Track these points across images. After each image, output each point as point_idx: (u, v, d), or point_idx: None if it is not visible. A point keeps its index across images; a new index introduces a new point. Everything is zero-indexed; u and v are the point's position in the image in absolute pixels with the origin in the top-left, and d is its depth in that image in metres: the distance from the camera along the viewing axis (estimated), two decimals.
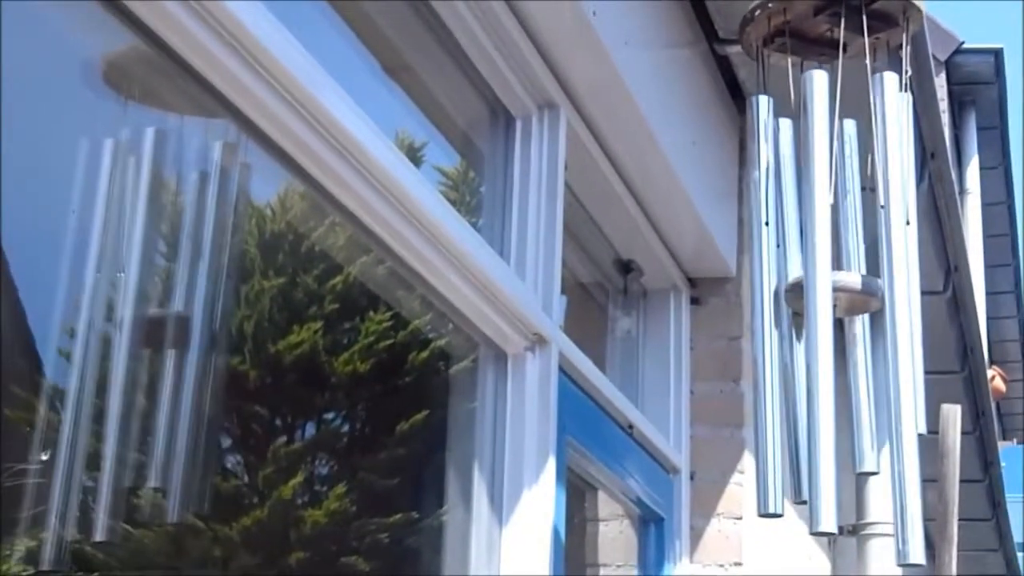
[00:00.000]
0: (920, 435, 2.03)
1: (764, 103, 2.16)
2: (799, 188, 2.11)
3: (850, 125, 2.12)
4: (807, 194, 2.06)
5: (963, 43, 8.95)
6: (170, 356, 1.78)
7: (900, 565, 1.99)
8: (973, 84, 9.36)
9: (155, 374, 1.78)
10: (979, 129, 9.65)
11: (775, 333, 2.11)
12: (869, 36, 2.09)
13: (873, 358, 2.09)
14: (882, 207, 2.05)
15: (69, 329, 1.79)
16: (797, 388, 2.06)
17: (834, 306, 2.05)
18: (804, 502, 2.00)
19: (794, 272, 2.10)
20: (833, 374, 1.99)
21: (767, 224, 2.11)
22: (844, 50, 2.09)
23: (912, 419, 1.99)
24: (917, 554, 1.97)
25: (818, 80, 2.07)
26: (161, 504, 1.83)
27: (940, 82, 8.60)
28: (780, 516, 2.07)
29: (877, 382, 2.07)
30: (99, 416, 1.70)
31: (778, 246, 2.12)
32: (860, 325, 2.12)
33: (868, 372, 2.08)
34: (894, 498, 1.99)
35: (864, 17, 2.04)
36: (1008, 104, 9.65)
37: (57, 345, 1.83)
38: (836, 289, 2.03)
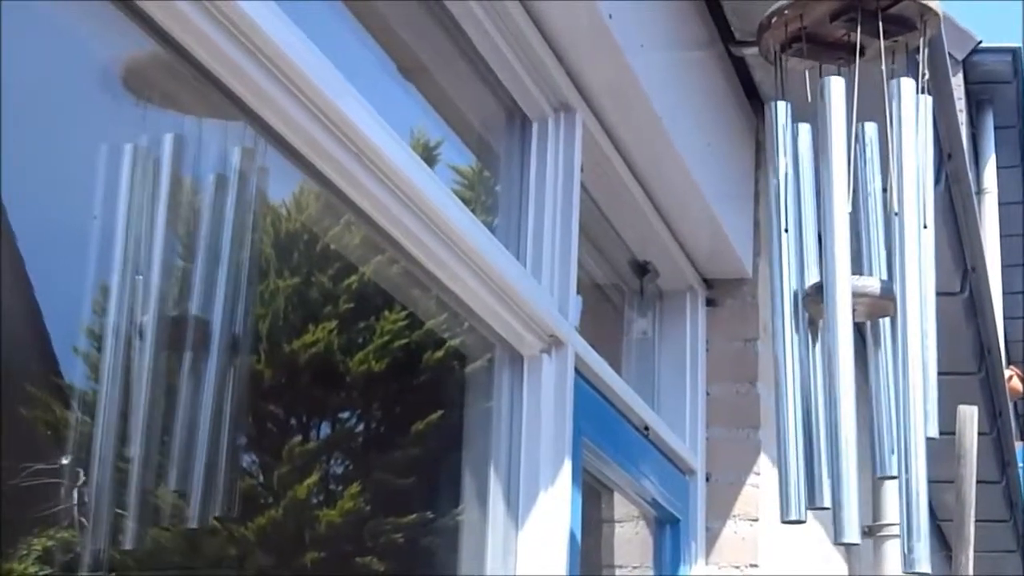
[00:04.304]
0: (932, 439, 2.02)
1: (782, 109, 2.16)
2: (817, 194, 2.11)
3: (871, 128, 2.11)
4: (825, 200, 2.05)
5: (980, 42, 8.93)
6: (192, 359, 1.79)
7: (906, 573, 1.98)
8: (990, 83, 9.33)
9: (178, 377, 1.78)
10: (996, 128, 9.62)
11: (796, 340, 2.10)
12: (887, 40, 2.08)
13: (891, 362, 2.09)
14: (896, 214, 2.05)
15: (89, 332, 1.79)
16: (818, 395, 2.06)
17: (854, 310, 2.04)
18: (823, 508, 2.00)
19: (814, 278, 2.09)
20: (854, 381, 1.99)
21: (786, 231, 2.11)
22: (863, 54, 2.08)
23: (921, 424, 1.98)
24: (923, 562, 1.97)
25: (835, 85, 2.07)
26: (180, 505, 1.84)
27: (957, 81, 8.58)
28: (803, 523, 2.07)
29: (894, 386, 2.07)
30: (124, 419, 1.71)
31: (798, 252, 2.11)
32: (881, 329, 2.12)
33: (888, 376, 2.07)
34: (901, 504, 1.99)
35: (880, 22, 2.04)
36: None
37: (80, 349, 1.83)
38: (856, 294, 2.03)
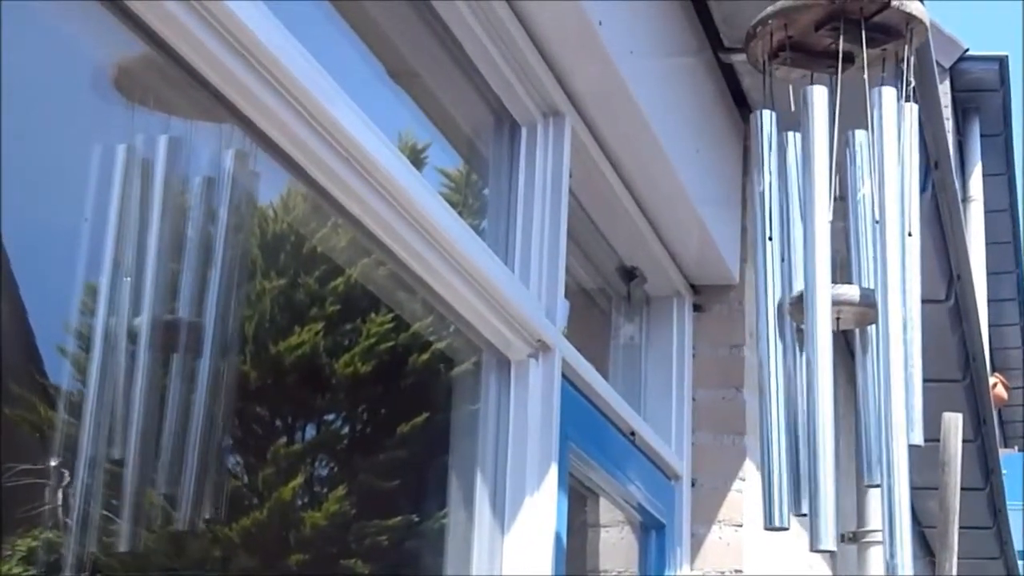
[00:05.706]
0: (917, 446, 2.03)
1: (768, 117, 2.16)
2: (803, 202, 2.12)
3: (861, 136, 2.12)
4: (807, 208, 2.06)
5: (967, 50, 8.96)
6: (183, 362, 1.79)
7: None
8: (977, 91, 9.37)
9: (169, 380, 1.78)
10: (983, 136, 9.65)
11: (780, 347, 2.11)
12: (875, 48, 2.09)
13: (876, 370, 2.10)
14: (876, 222, 2.05)
15: (76, 332, 1.79)
16: (801, 403, 2.06)
17: (837, 319, 2.05)
18: (805, 515, 2.01)
19: (799, 286, 2.10)
20: (833, 389, 2.00)
21: (770, 239, 2.12)
22: (852, 62, 2.09)
23: (904, 432, 1.99)
24: (906, 567, 1.98)
25: (817, 94, 2.07)
26: (166, 508, 1.83)
27: (944, 89, 8.61)
28: (786, 529, 2.07)
29: (878, 394, 2.07)
30: (111, 421, 1.71)
31: (783, 260, 2.12)
32: (867, 337, 2.12)
33: (873, 384, 2.08)
34: (883, 511, 1.99)
35: (863, 31, 2.04)
36: (1012, 111, 9.66)
37: (66, 349, 1.83)
38: (837, 302, 2.04)
